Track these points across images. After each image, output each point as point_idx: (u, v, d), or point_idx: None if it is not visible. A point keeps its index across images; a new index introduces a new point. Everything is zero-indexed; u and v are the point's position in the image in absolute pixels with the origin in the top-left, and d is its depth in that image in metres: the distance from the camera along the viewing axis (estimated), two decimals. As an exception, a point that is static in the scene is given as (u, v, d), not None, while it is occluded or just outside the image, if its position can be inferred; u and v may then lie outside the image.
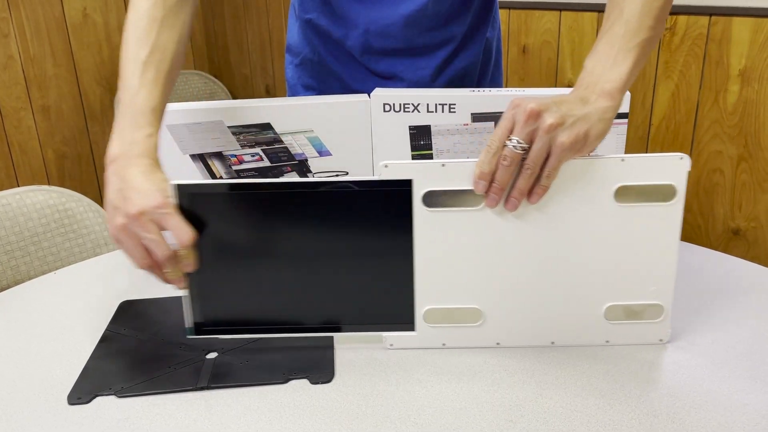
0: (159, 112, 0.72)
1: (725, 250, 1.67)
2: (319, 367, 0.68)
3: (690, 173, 1.74)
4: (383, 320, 0.72)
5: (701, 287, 0.82)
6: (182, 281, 0.69)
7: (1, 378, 0.69)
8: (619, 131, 0.85)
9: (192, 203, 0.68)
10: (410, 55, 0.99)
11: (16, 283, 1.07)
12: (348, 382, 0.66)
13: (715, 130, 1.64)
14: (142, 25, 0.74)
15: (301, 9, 1.03)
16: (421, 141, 0.88)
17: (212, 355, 0.71)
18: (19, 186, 1.94)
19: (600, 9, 1.76)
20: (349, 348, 0.72)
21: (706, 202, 1.71)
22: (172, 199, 0.66)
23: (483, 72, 1.07)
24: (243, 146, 0.88)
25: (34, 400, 0.65)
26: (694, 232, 1.75)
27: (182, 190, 0.68)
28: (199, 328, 0.72)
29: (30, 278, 1.07)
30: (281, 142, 0.89)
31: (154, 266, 0.67)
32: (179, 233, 0.65)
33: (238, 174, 0.89)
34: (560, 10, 1.83)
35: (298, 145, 0.89)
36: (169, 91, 0.74)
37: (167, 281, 0.69)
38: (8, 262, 1.08)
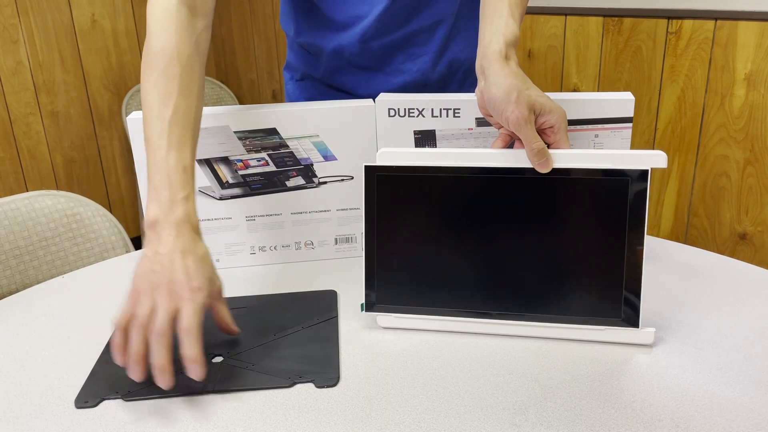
0: (191, 171, 0.72)
1: (732, 255, 1.66)
2: (324, 371, 0.69)
3: (696, 177, 1.74)
4: (589, 314, 0.72)
5: (708, 291, 0.82)
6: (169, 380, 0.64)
7: (10, 381, 0.70)
8: (623, 135, 0.85)
9: (379, 182, 0.74)
10: (408, 45, 1.00)
11: (25, 287, 1.07)
12: (353, 386, 0.67)
13: (721, 134, 1.64)
14: (162, 85, 0.74)
15: (296, 34, 1.05)
16: (425, 145, 0.89)
17: (218, 359, 0.71)
18: (28, 191, 1.95)
19: (606, 13, 1.76)
20: (355, 352, 0.73)
21: (713, 207, 1.71)
22: (208, 289, 0.67)
23: None
24: (249, 151, 0.89)
25: (42, 403, 0.66)
26: (700, 236, 1.75)
27: (370, 170, 0.74)
28: (371, 305, 0.76)
29: (39, 282, 1.08)
30: (287, 146, 0.89)
31: (141, 344, 0.64)
32: (186, 317, 0.64)
33: (244, 178, 0.90)
34: (566, 15, 1.83)
35: (303, 150, 0.89)
36: (196, 150, 0.75)
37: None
38: (17, 266, 1.09)
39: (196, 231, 0.70)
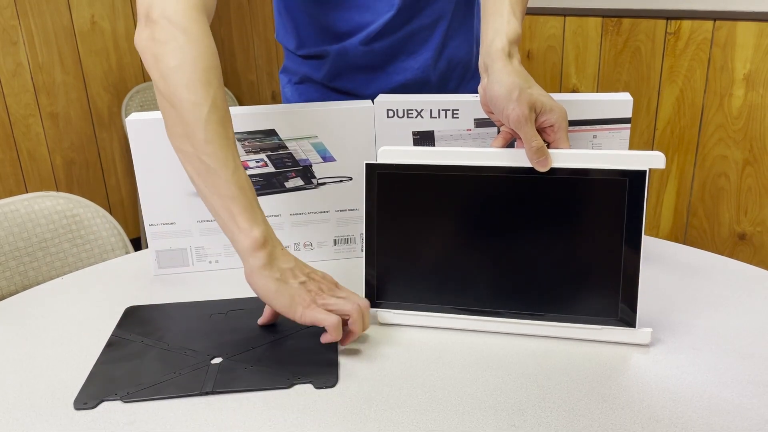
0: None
1: (731, 255, 1.67)
2: (323, 372, 0.69)
3: (695, 177, 1.75)
4: (587, 313, 0.72)
5: (707, 292, 0.82)
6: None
7: (9, 383, 0.70)
8: (621, 136, 0.85)
9: (380, 180, 0.75)
10: (409, 44, 1.00)
11: (24, 288, 1.08)
12: (352, 387, 0.67)
13: (720, 134, 1.64)
14: (221, 101, 0.71)
15: (297, 48, 1.05)
16: (424, 146, 0.89)
17: (217, 360, 0.71)
18: (27, 192, 1.95)
19: (604, 14, 1.76)
20: (353, 353, 0.73)
21: (712, 207, 1.71)
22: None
23: None
24: (248, 152, 0.89)
25: (41, 404, 0.66)
26: (700, 236, 1.75)
27: (371, 168, 0.75)
28: (371, 302, 0.76)
29: (38, 283, 1.08)
30: (285, 148, 0.89)
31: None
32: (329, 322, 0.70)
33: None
34: (564, 16, 1.84)
35: (302, 151, 0.90)
36: None
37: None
38: (17, 268, 1.09)
39: None
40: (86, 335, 0.78)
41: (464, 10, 1.03)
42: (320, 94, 1.07)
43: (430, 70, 1.02)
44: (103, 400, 0.66)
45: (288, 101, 1.12)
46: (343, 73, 1.03)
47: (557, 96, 0.84)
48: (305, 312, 0.69)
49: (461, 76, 1.06)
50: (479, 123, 0.87)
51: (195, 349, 0.73)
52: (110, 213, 1.71)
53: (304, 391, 0.66)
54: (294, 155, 0.90)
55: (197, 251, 0.92)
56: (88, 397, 0.66)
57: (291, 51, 1.07)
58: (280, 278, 0.70)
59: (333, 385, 0.67)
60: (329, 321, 0.69)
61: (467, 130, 0.87)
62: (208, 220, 0.91)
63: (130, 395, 0.66)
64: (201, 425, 0.62)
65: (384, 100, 0.88)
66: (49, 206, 1.13)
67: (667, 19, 1.65)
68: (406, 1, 0.95)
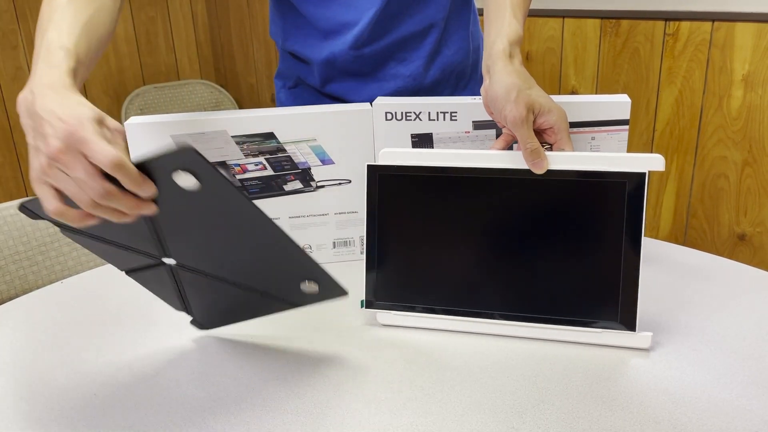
0: (73, 55, 0.62)
1: (731, 256, 1.67)
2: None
3: (695, 178, 1.74)
4: (586, 316, 0.72)
5: (706, 293, 0.82)
6: (141, 210, 0.55)
7: (9, 386, 0.70)
8: (620, 138, 0.85)
9: (381, 182, 0.76)
10: (399, 50, 1.00)
11: (24, 292, 1.08)
12: (350, 389, 0.67)
13: (719, 135, 1.64)
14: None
15: (284, 42, 1.05)
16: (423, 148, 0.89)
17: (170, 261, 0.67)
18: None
19: (603, 16, 1.77)
20: (351, 354, 0.73)
21: (711, 208, 1.71)
22: (90, 122, 0.55)
23: (478, 67, 1.09)
24: (246, 155, 0.89)
25: (40, 408, 0.66)
26: (699, 237, 1.75)
27: (372, 170, 0.76)
28: (371, 302, 0.77)
29: (38, 287, 1.08)
30: (284, 151, 0.89)
31: (96, 208, 0.54)
32: (100, 156, 0.52)
33: (241, 183, 0.90)
34: (563, 17, 1.84)
35: (301, 154, 0.90)
36: (90, 45, 0.66)
37: (122, 216, 0.55)
38: (16, 272, 1.09)
39: (66, 89, 0.58)
40: (87, 338, 0.78)
41: (458, 18, 1.03)
42: (314, 98, 1.07)
43: (421, 78, 1.02)
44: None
45: (283, 106, 1.12)
46: (334, 78, 1.03)
47: (555, 98, 0.85)
48: (35, 187, 0.56)
49: (455, 84, 1.07)
50: (477, 125, 0.87)
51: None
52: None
53: (302, 391, 0.66)
54: (293, 158, 0.90)
55: (196, 254, 0.92)
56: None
57: (281, 48, 1.08)
58: (32, 143, 0.58)
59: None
60: (47, 205, 0.54)
61: (465, 132, 0.88)
62: (207, 224, 0.91)
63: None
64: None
65: (382, 102, 0.88)
66: (49, 210, 1.13)
67: (666, 20, 1.65)
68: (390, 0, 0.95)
